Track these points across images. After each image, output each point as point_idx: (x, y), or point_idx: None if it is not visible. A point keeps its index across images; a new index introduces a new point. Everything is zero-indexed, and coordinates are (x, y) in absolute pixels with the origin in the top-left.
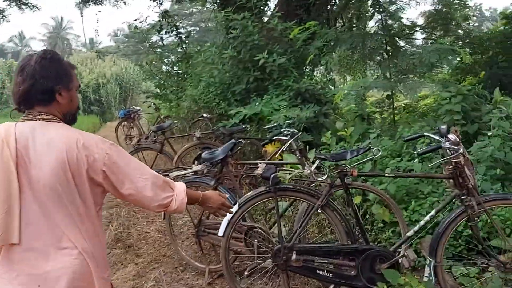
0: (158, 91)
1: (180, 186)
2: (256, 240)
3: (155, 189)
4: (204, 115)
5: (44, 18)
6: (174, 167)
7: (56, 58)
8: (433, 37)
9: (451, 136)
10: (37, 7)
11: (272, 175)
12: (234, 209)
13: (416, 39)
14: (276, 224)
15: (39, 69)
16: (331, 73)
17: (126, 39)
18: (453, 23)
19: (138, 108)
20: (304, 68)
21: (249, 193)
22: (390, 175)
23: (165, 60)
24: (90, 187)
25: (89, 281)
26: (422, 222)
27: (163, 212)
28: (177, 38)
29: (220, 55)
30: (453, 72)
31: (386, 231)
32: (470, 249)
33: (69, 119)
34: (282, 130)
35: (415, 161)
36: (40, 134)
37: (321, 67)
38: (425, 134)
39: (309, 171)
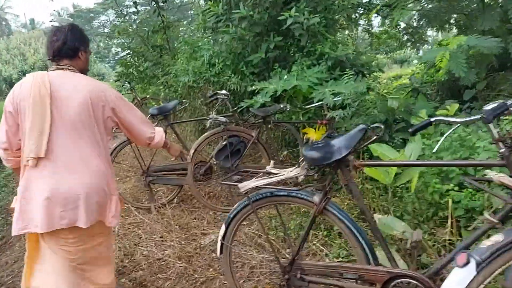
0: (124, 69)
1: (158, 128)
2: None
3: (147, 124)
4: (223, 92)
5: None
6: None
7: (80, 28)
8: None
9: None
10: None
11: None
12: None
13: None
14: None
15: (70, 33)
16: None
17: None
18: None
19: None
20: (339, 29)
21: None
22: None
23: (141, 33)
24: (104, 120)
25: (102, 195)
26: None
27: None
28: (153, 2)
29: (229, 16)
30: None
31: None
32: None
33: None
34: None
35: None
36: (68, 79)
37: (358, 28)
38: None
39: None
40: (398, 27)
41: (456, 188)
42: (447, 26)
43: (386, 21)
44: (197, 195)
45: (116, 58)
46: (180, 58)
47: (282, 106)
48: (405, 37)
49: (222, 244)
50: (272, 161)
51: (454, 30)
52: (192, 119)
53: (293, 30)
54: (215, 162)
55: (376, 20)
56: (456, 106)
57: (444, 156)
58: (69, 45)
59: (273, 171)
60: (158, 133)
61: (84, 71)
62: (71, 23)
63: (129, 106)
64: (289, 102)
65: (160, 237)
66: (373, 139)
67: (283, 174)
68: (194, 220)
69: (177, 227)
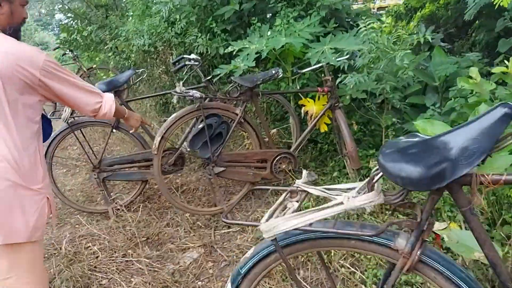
0: (66, 35)
1: (109, 95)
2: None
3: (90, 93)
4: (192, 56)
5: None
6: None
7: None
8: None
9: None
10: None
11: None
12: None
13: None
14: None
15: None
16: None
17: None
18: None
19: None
20: None
21: None
22: None
23: None
24: (22, 96)
25: (8, 187)
26: None
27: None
28: None
29: None
30: None
31: None
32: None
33: (10, 33)
34: None
35: None
36: None
37: None
38: None
39: None
40: None
41: None
42: None
43: None
44: (167, 196)
45: (59, 25)
46: (131, 17)
47: (274, 72)
48: None
49: None
50: (304, 171)
51: None
52: (153, 94)
53: None
54: (187, 149)
55: None
56: None
57: None
58: None
59: (311, 191)
60: (107, 102)
61: (8, 28)
62: None
63: (63, 74)
64: (274, 66)
65: (123, 256)
66: None
67: (340, 203)
68: (167, 228)
69: (145, 239)
